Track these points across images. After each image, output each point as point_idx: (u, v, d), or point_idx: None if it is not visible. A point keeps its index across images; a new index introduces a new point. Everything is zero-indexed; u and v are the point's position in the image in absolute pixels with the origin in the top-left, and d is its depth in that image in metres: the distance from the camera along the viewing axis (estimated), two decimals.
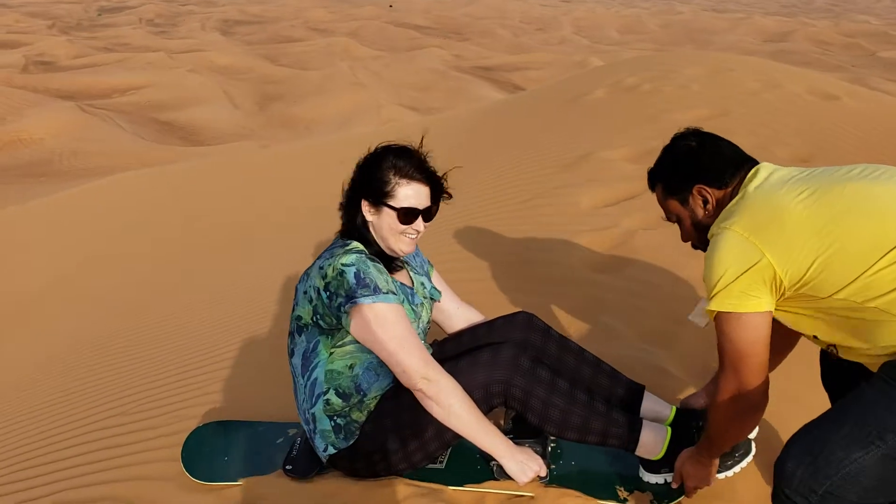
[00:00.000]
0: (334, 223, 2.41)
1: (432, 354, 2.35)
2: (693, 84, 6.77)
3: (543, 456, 2.37)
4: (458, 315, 2.64)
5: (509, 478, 2.29)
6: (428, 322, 2.47)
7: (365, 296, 2.15)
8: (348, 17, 43.64)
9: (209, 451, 2.61)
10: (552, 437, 2.45)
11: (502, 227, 4.36)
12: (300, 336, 2.31)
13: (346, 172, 2.42)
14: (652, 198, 2.33)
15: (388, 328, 2.16)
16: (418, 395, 2.19)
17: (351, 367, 2.27)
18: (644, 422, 2.30)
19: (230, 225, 7.42)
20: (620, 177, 4.73)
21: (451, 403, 2.16)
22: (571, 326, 3.41)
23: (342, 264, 2.18)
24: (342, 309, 2.18)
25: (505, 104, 9.07)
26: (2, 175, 21.10)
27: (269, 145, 19.67)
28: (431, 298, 2.52)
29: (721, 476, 2.25)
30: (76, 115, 24.93)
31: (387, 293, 2.18)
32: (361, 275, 2.16)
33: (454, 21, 43.01)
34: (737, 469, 2.28)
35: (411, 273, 2.50)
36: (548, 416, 2.22)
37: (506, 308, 3.60)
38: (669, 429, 2.31)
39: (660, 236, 3.97)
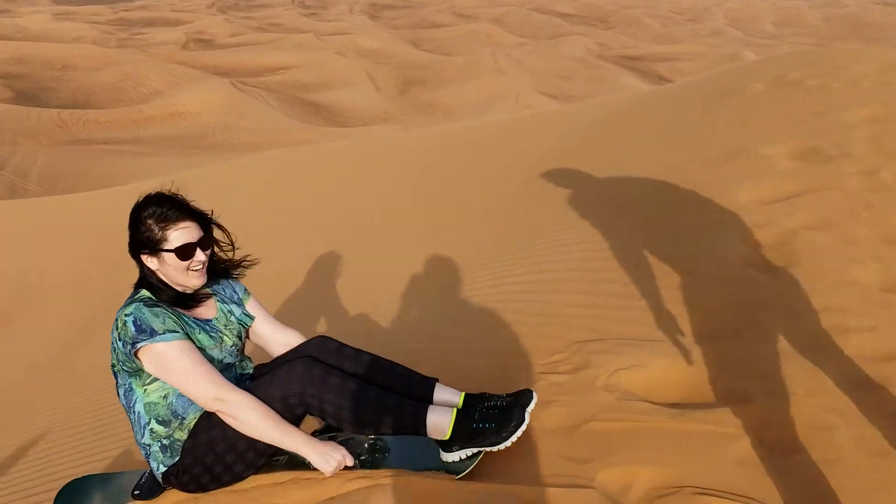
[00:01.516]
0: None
1: (252, 376, 2.65)
2: (863, 81, 6.29)
3: (350, 447, 2.56)
4: (275, 339, 2.80)
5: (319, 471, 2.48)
6: (233, 345, 2.65)
7: (143, 340, 2.39)
8: (494, 3, 43.68)
9: (80, 499, 2.83)
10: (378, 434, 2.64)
11: (656, 220, 4.20)
12: (118, 379, 2.55)
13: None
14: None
15: (170, 364, 2.41)
16: (219, 415, 2.43)
17: (165, 396, 2.49)
18: (430, 407, 2.49)
19: (362, 212, 7.57)
20: (782, 174, 4.46)
21: (245, 416, 2.40)
22: (722, 322, 3.23)
23: (124, 315, 2.43)
24: (130, 355, 2.42)
25: (654, 95, 8.79)
26: (160, 145, 22.57)
27: (409, 129, 20.03)
28: (241, 324, 2.73)
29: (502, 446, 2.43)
30: (230, 92, 26.27)
31: (163, 333, 2.41)
32: (138, 321, 2.40)
33: (600, 9, 42.25)
34: (514, 438, 2.43)
35: (218, 303, 2.70)
36: (341, 417, 2.44)
37: (649, 300, 3.48)
38: (454, 410, 2.48)
39: (823, 238, 3.71)
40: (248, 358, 2.77)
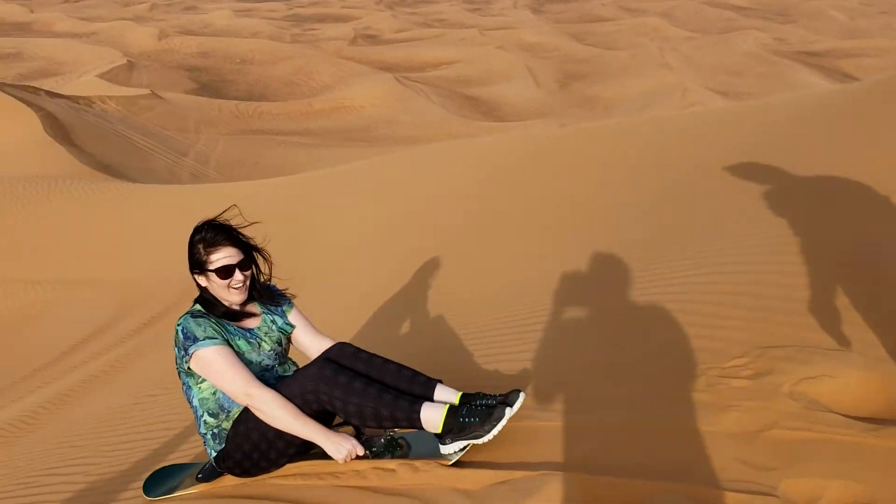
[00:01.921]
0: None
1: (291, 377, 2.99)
2: None
3: (368, 440, 2.96)
4: (313, 346, 3.18)
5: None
6: (272, 350, 3.06)
7: (189, 346, 2.85)
8: None
9: (164, 480, 3.35)
10: (389, 429, 2.98)
11: (845, 225, 3.92)
12: (181, 377, 2.98)
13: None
14: None
15: (210, 366, 2.85)
16: (250, 408, 2.85)
17: (214, 392, 2.93)
18: (426, 404, 2.80)
19: (515, 211, 7.54)
20: None
21: (269, 410, 2.81)
22: None
23: (177, 325, 2.92)
24: (184, 359, 2.88)
25: (844, 92, 8.19)
26: (327, 137, 23.56)
27: (566, 124, 19.81)
28: (282, 332, 3.14)
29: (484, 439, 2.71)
30: (393, 87, 27.03)
31: (203, 339, 2.85)
32: (185, 331, 2.88)
33: (779, 2, 40.02)
34: (495, 432, 2.70)
35: (263, 314, 3.13)
36: (348, 412, 2.81)
37: (836, 307, 3.25)
38: (447, 406, 2.78)
39: None
40: (293, 362, 3.16)
